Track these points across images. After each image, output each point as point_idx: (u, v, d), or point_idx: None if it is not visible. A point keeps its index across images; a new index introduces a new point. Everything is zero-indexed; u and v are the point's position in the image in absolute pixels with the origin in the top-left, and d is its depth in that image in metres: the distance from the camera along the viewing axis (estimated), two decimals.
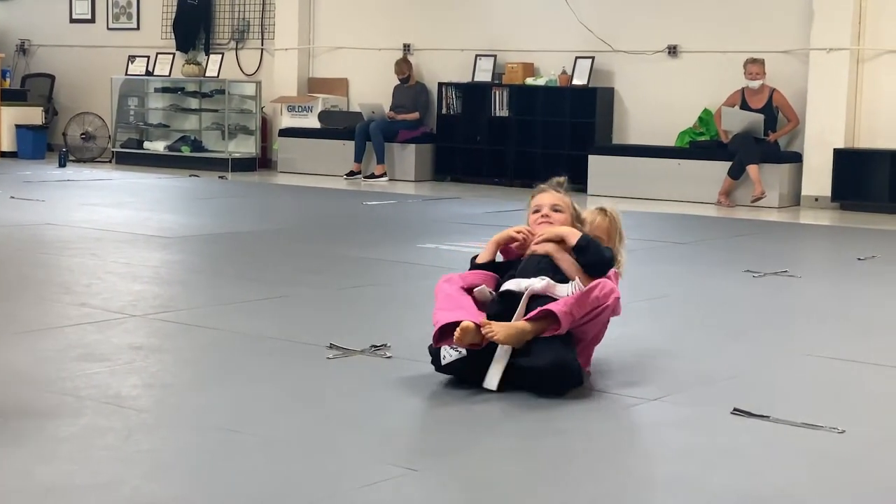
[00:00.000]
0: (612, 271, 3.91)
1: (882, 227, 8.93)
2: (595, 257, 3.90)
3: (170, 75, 14.01)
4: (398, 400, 3.69)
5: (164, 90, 14.08)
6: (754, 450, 3.27)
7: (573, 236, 3.94)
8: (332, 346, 4.29)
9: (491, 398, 3.69)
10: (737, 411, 3.55)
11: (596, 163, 11.35)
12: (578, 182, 11.49)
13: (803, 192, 10.62)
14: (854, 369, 4.20)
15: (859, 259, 6.89)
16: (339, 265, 6.37)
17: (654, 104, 11.49)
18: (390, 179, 12.36)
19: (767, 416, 3.51)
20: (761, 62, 10.66)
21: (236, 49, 14.03)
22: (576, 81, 11.74)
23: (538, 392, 3.65)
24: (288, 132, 13.16)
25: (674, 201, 10.56)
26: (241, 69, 13.97)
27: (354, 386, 3.84)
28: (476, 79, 12.32)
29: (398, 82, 12.62)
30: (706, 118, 11.14)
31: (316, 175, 12.56)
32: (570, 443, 3.34)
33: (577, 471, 3.09)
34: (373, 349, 4.27)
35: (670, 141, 11.28)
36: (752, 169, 10.33)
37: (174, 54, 14.14)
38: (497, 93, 12.13)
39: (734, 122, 10.65)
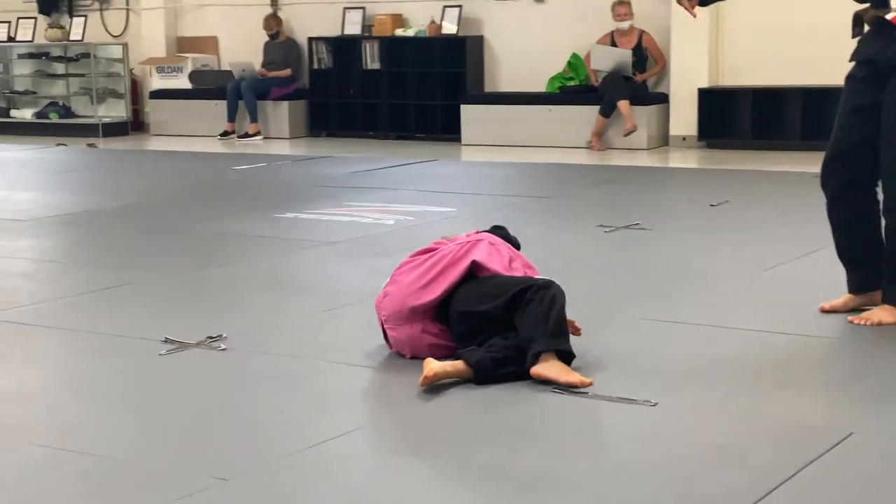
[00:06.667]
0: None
1: (742, 166, 9.09)
2: None
3: (33, 40, 13.65)
4: (219, 401, 3.66)
5: (29, 56, 13.73)
6: (568, 429, 3.33)
7: None
8: (166, 340, 4.26)
9: (321, 399, 3.71)
10: (556, 388, 3.61)
11: (468, 112, 11.36)
12: (452, 132, 11.52)
13: (671, 132, 10.77)
14: (680, 332, 4.29)
15: (712, 205, 7.02)
16: (193, 243, 6.30)
17: (523, 50, 11.51)
18: (265, 138, 12.24)
19: (586, 393, 3.58)
20: (628, 3, 10.75)
21: (101, 10, 13.69)
22: (445, 31, 11.71)
23: None
24: (159, 94, 12.93)
25: (546, 147, 10.64)
26: (106, 31, 13.65)
27: (181, 386, 3.81)
28: (346, 32, 12.22)
29: (268, 39, 12.45)
30: (575, 63, 11.20)
31: (190, 137, 12.39)
32: (379, 433, 3.38)
33: (385, 462, 3.12)
34: (208, 341, 4.25)
35: (541, 87, 11.32)
36: (622, 104, 10.44)
37: (36, 18, 13.76)
38: (367, 45, 12.05)
39: (604, 59, 10.73)
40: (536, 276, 3.90)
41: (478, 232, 4.14)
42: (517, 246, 4.20)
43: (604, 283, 5.13)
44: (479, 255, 3.97)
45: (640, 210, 6.93)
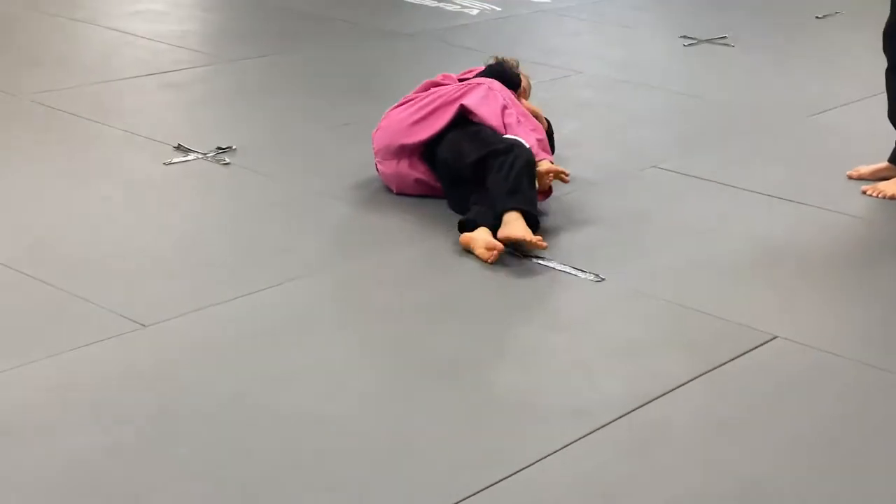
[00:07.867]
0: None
1: None
2: None
3: None
4: (191, 229, 3.74)
5: None
6: (498, 303, 3.29)
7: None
8: (178, 147, 4.37)
9: (283, 238, 3.77)
10: (510, 249, 3.53)
11: None
12: None
13: None
14: (684, 188, 4.15)
15: (818, 17, 6.58)
16: (289, 24, 6.36)
17: None
18: None
19: (542, 258, 3.54)
20: None
21: None
22: None
23: None
24: None
25: None
26: None
27: (164, 206, 3.89)
28: None
29: None
30: None
31: None
32: (313, 288, 3.43)
33: (300, 325, 3.17)
34: (217, 152, 4.34)
35: None
36: None
37: None
38: None
39: None
40: (506, 136, 3.79)
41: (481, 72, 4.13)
42: (516, 83, 4.14)
43: (644, 114, 4.96)
44: (470, 100, 3.92)
45: (738, 17, 6.56)
